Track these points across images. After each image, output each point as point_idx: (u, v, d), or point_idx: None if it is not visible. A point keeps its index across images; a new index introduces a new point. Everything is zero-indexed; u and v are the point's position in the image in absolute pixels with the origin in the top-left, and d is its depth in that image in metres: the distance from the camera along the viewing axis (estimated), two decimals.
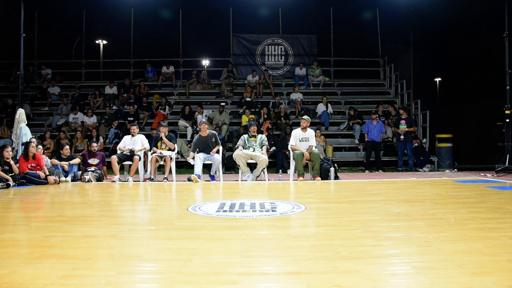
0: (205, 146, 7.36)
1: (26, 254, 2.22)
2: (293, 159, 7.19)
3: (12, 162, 6.43)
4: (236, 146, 7.60)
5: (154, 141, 7.75)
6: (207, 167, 7.74)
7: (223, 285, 1.74)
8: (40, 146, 7.57)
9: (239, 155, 7.14)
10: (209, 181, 7.30)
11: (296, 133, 7.41)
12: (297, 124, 8.64)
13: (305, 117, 7.43)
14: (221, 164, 7.44)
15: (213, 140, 7.41)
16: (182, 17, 14.30)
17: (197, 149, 7.36)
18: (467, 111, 12.32)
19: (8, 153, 6.43)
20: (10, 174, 6.22)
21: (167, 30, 15.37)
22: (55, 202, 4.80)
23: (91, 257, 2.17)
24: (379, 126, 9.74)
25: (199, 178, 6.86)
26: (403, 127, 9.63)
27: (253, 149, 7.35)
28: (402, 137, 9.60)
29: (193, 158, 7.24)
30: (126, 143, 7.56)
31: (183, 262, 2.04)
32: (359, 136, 10.82)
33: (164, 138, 7.50)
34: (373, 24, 14.25)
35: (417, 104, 11.47)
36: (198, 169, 7.04)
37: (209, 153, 7.29)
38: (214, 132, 7.71)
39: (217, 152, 7.41)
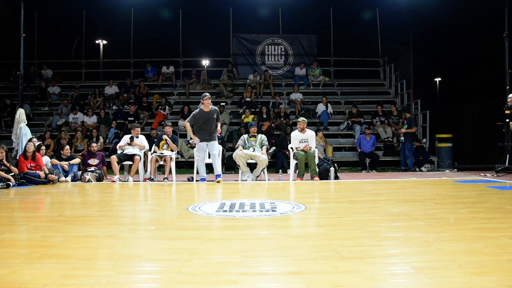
0: (205, 122, 6.88)
1: (26, 254, 2.22)
2: (295, 159, 7.19)
3: (8, 163, 6.36)
4: (236, 146, 7.60)
5: (157, 140, 7.74)
6: (207, 168, 7.71)
7: (223, 285, 1.74)
8: (43, 147, 7.57)
9: (239, 155, 7.13)
10: (213, 180, 7.24)
11: (295, 135, 7.42)
12: (297, 124, 8.60)
13: (301, 119, 7.45)
14: (220, 152, 7.24)
15: (215, 116, 6.99)
16: (182, 17, 14.28)
17: (193, 125, 6.95)
18: (467, 111, 12.32)
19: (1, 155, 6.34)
20: (10, 174, 6.21)
21: (167, 30, 15.39)
22: (55, 202, 4.80)
23: (91, 257, 2.17)
24: (372, 141, 9.94)
25: (204, 180, 6.85)
26: (405, 127, 9.72)
27: (253, 149, 7.35)
28: (402, 138, 9.66)
29: (194, 146, 6.89)
30: (127, 146, 7.56)
31: (183, 262, 2.04)
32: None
33: (168, 139, 7.48)
34: (373, 24, 14.25)
35: (417, 104, 11.47)
36: (202, 171, 6.98)
37: (208, 131, 6.84)
38: (216, 108, 7.26)
39: (218, 148, 7.24)
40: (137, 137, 7.59)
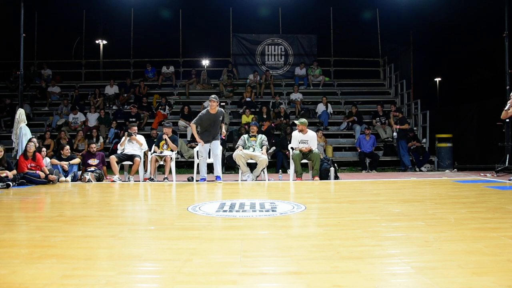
0: (210, 124, 6.93)
1: (26, 254, 2.22)
2: (292, 159, 7.19)
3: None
4: (236, 146, 7.59)
5: (157, 140, 7.73)
6: (207, 167, 7.70)
7: (223, 285, 1.74)
8: (44, 148, 7.57)
9: (239, 155, 7.13)
10: (213, 180, 7.26)
11: (296, 135, 7.41)
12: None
13: (299, 121, 7.37)
14: (220, 152, 7.25)
15: (221, 118, 7.07)
16: (182, 17, 14.29)
17: (199, 126, 7.00)
18: (467, 111, 12.31)
19: None
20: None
21: (167, 30, 15.40)
22: (55, 202, 4.80)
23: (91, 257, 2.17)
24: (372, 141, 9.93)
25: (204, 180, 6.85)
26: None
27: (253, 149, 7.34)
28: (395, 134, 9.84)
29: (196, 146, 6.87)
30: (126, 143, 7.56)
31: (183, 262, 2.04)
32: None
33: (168, 140, 7.47)
34: (373, 24, 14.26)
35: (417, 104, 11.47)
36: (203, 171, 6.98)
37: (212, 133, 6.89)
38: (223, 110, 7.31)
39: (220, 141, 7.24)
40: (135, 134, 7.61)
